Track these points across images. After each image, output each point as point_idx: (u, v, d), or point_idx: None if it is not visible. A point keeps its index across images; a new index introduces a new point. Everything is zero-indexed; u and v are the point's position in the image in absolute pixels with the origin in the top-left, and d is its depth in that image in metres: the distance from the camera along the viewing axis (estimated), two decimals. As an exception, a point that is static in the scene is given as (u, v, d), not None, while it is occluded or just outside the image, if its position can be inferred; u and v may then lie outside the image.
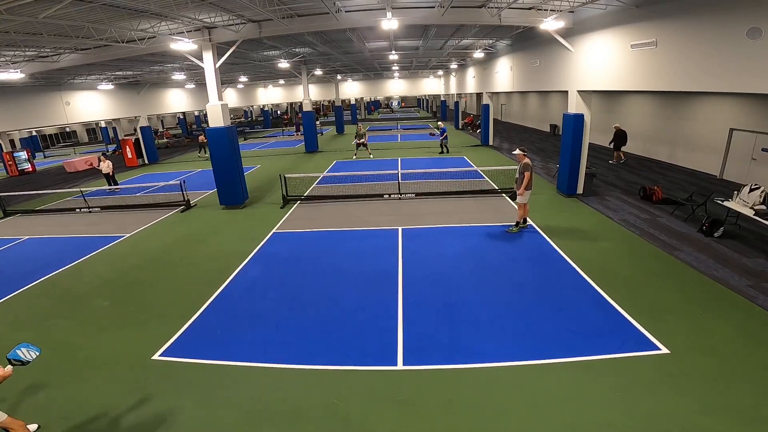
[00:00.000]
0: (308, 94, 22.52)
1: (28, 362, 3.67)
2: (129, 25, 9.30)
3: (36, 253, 9.15)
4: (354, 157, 19.09)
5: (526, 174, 8.05)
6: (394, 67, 28.42)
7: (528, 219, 8.75)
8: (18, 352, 3.65)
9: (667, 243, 7.69)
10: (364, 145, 18.98)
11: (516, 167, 8.50)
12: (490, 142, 21.50)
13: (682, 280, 6.26)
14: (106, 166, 15.25)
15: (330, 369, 4.66)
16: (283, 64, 18.94)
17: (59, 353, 5.23)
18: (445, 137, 18.78)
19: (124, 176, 18.55)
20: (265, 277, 7.18)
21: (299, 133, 31.01)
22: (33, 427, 3.98)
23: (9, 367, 3.66)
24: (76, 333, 5.72)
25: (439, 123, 20.09)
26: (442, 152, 18.95)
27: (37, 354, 3.74)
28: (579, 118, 10.57)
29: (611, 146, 15.72)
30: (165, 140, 32.50)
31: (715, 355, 4.53)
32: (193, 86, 27.18)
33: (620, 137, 15.28)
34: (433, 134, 19.03)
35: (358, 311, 5.83)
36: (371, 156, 18.80)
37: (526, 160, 8.17)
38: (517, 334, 5.09)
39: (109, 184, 15.49)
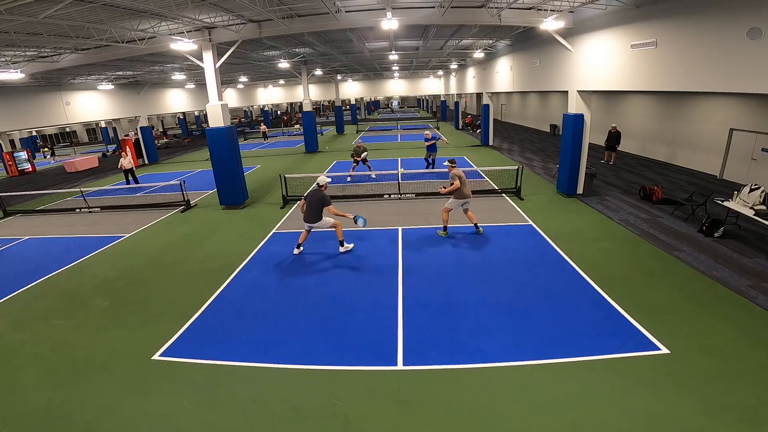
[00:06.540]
0: (308, 94, 22.52)
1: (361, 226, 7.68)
2: (129, 25, 9.30)
3: (36, 253, 9.14)
4: (351, 169, 14.49)
5: (456, 182, 8.12)
6: (394, 67, 28.44)
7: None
8: (360, 220, 7.72)
9: (667, 243, 7.69)
10: (364, 161, 14.20)
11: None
12: (490, 143, 21.51)
13: (682, 280, 6.26)
14: (127, 162, 15.47)
15: (330, 369, 4.65)
16: (283, 64, 18.93)
17: (59, 353, 5.23)
18: (433, 147, 14.21)
19: (123, 176, 18.49)
20: (265, 277, 7.18)
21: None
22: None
23: (359, 221, 7.72)
24: (76, 333, 5.71)
25: (426, 132, 15.00)
26: (428, 166, 14.47)
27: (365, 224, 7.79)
28: (579, 118, 10.58)
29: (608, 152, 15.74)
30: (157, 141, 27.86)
31: (715, 355, 4.53)
32: (193, 86, 27.16)
33: (614, 138, 15.27)
34: (428, 138, 14.29)
35: (358, 311, 5.84)
36: (373, 176, 14.28)
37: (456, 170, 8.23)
38: (517, 334, 5.09)
39: (128, 181, 15.69)
